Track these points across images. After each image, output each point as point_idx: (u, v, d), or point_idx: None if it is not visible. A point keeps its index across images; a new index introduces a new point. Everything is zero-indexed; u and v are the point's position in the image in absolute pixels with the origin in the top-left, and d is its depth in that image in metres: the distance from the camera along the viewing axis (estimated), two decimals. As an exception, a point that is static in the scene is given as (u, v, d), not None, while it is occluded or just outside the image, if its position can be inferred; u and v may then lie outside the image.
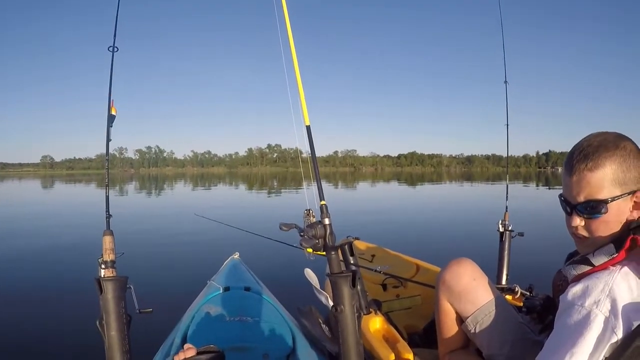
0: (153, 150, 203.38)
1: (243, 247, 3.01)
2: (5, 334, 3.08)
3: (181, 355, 1.30)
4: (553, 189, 23.76)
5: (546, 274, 1.39)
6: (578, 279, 1.00)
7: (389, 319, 2.00)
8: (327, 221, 1.12)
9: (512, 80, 3.00)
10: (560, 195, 1.07)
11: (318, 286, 1.19)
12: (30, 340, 2.96)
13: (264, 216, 10.27)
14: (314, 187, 1.20)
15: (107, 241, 1.36)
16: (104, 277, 1.29)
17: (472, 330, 1.38)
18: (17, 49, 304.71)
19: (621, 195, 0.98)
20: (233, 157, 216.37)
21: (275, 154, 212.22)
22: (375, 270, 2.56)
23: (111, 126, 1.49)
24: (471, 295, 1.38)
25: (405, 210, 12.63)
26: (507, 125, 3.07)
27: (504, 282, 2.59)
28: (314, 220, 1.18)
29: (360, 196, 19.74)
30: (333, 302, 1.10)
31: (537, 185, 29.11)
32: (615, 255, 0.96)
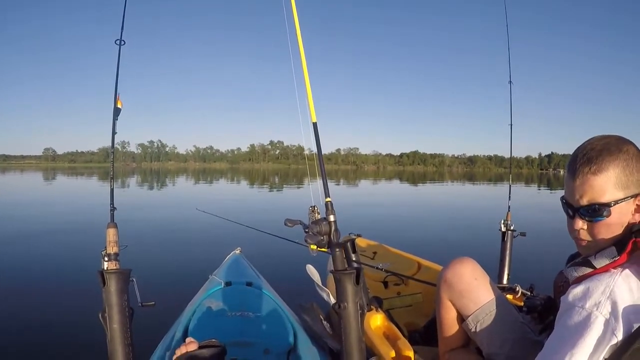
0: (155, 144, 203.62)
1: (245, 242, 3.02)
2: (7, 325, 3.09)
3: (183, 349, 1.30)
4: (555, 191, 23.72)
5: (547, 274, 1.39)
6: (579, 280, 1.00)
7: (389, 317, 2.00)
8: (332, 218, 1.13)
9: (515, 82, 3.00)
10: (562, 198, 1.07)
11: (320, 282, 1.20)
12: (33, 332, 2.98)
13: (267, 212, 10.28)
14: (319, 184, 1.20)
15: (111, 234, 1.34)
16: (107, 269, 1.28)
17: (473, 329, 1.38)
18: (20, 42, 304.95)
19: (624, 198, 0.98)
20: (235, 152, 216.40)
21: (278, 151, 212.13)
22: (377, 268, 2.56)
23: (117, 119, 1.49)
24: (472, 294, 1.39)
25: (407, 209, 12.63)
26: (511, 125, 3.07)
27: (505, 281, 2.59)
28: (319, 217, 1.17)
29: (362, 194, 19.73)
30: (336, 299, 1.10)
31: (539, 187, 29.05)
32: (617, 258, 0.96)
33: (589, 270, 0.99)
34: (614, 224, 0.99)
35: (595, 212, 0.99)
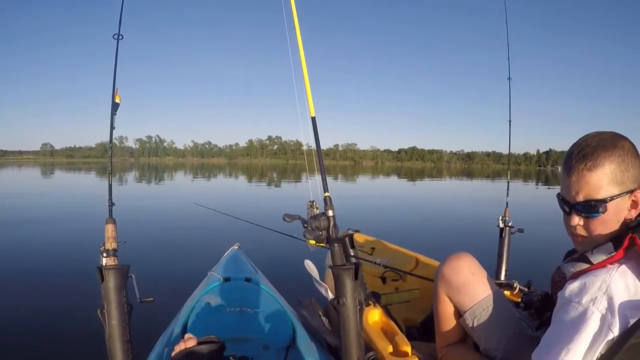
0: (153, 139, 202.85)
1: (243, 237, 3.02)
2: (6, 321, 3.08)
3: (182, 345, 1.31)
4: (553, 187, 23.75)
5: (545, 270, 1.39)
6: (576, 276, 1.00)
7: (387, 312, 2.01)
8: (330, 213, 1.12)
9: (514, 78, 3.00)
10: (559, 195, 1.08)
11: (318, 278, 1.20)
12: (31, 328, 2.98)
13: (265, 207, 10.27)
14: (317, 179, 1.19)
15: (110, 229, 1.34)
16: (105, 265, 1.28)
17: (470, 324, 1.39)
18: (17, 38, 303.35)
19: (620, 194, 0.98)
20: (233, 148, 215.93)
21: (276, 146, 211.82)
22: (375, 263, 2.57)
23: (115, 114, 1.49)
24: (469, 290, 1.39)
25: (405, 204, 12.65)
26: (510, 121, 3.07)
27: (503, 277, 2.60)
28: (318, 211, 1.17)
29: (360, 189, 19.73)
30: (335, 294, 1.10)
31: (537, 184, 29.09)
32: (613, 254, 0.96)
33: (585, 266, 1.00)
34: (610, 219, 1.00)
35: (591, 208, 0.99)
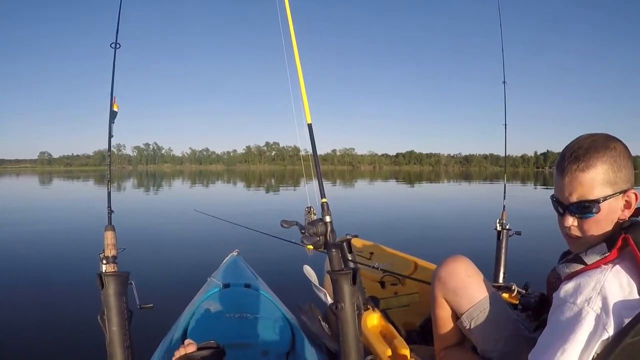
0: (151, 147, 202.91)
1: (242, 244, 3.02)
2: (7, 328, 3.09)
3: (182, 351, 1.31)
4: (550, 189, 23.74)
5: (542, 272, 1.40)
6: (570, 277, 1.01)
7: (386, 316, 2.01)
8: (328, 219, 1.13)
9: (510, 81, 3.03)
10: (552, 196, 1.09)
11: (317, 283, 1.20)
12: (32, 334, 2.97)
13: (264, 213, 10.26)
14: (315, 185, 1.20)
15: (109, 236, 1.34)
16: (105, 272, 1.27)
17: (467, 327, 1.40)
18: (16, 46, 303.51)
19: (612, 194, 1.00)
20: (231, 154, 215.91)
21: (274, 152, 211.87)
22: (374, 267, 2.57)
23: (113, 122, 1.49)
24: (466, 292, 1.40)
25: (403, 209, 12.66)
26: (505, 125, 3.09)
27: (501, 280, 2.61)
28: (315, 217, 1.18)
29: (358, 194, 19.73)
30: (333, 299, 1.11)
31: (535, 185, 29.14)
32: (607, 254, 0.98)
33: (580, 266, 1.01)
34: (603, 220, 1.01)
35: (585, 208, 1.01)
